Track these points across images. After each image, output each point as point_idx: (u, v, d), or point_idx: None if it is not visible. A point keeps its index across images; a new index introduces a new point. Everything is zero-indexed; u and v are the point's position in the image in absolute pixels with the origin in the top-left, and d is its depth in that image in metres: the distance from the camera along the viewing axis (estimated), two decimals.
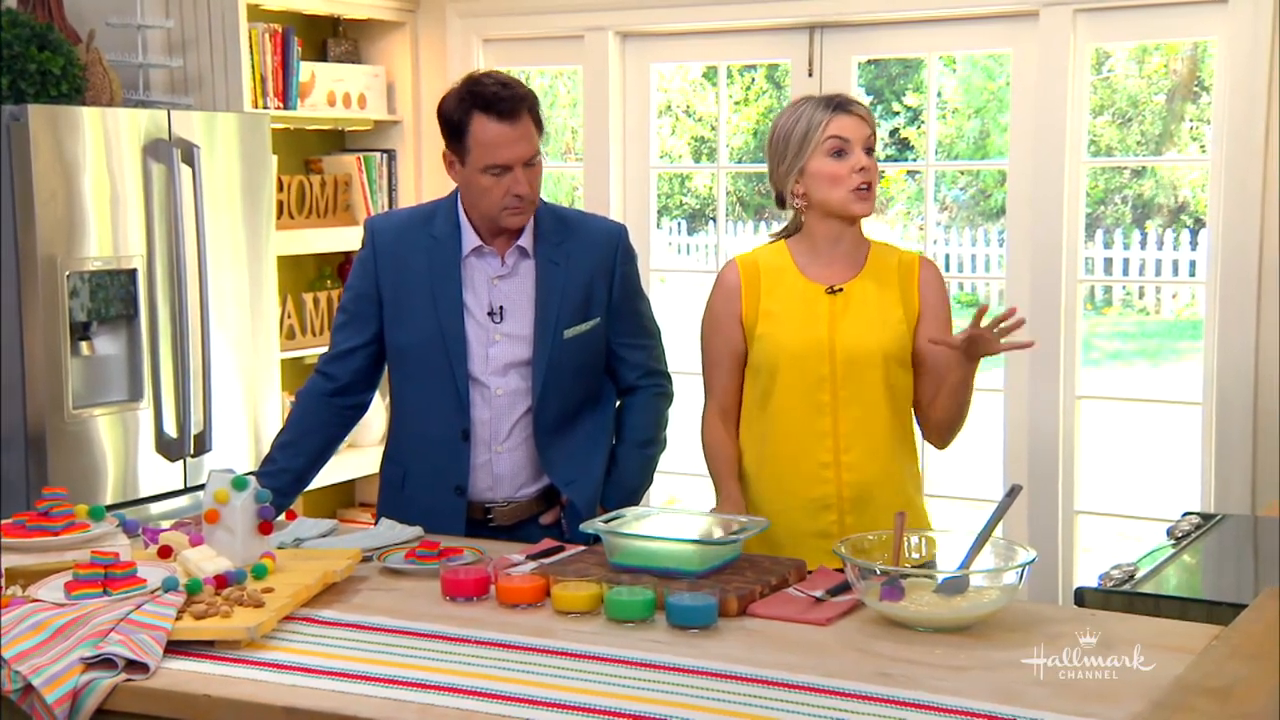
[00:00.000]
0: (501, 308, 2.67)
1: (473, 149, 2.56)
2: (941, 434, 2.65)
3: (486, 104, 2.55)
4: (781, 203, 2.65)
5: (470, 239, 2.67)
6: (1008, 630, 2.02)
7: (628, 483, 2.77)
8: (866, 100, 2.71)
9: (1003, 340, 2.46)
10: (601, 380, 2.78)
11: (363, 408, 2.82)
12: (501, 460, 2.69)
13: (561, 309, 2.66)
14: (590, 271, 2.70)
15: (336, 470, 4.24)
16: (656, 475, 2.92)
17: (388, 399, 2.85)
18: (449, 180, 2.72)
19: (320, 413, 2.76)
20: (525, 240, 2.67)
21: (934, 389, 2.61)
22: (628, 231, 2.82)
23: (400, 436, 2.78)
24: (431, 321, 2.66)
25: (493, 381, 2.67)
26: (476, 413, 2.67)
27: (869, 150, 2.56)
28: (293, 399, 2.88)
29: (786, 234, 2.69)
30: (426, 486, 2.71)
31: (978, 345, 2.47)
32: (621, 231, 2.80)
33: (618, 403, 2.83)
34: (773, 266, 2.64)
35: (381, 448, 2.88)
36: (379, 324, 2.72)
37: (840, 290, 2.59)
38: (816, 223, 2.61)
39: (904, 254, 2.67)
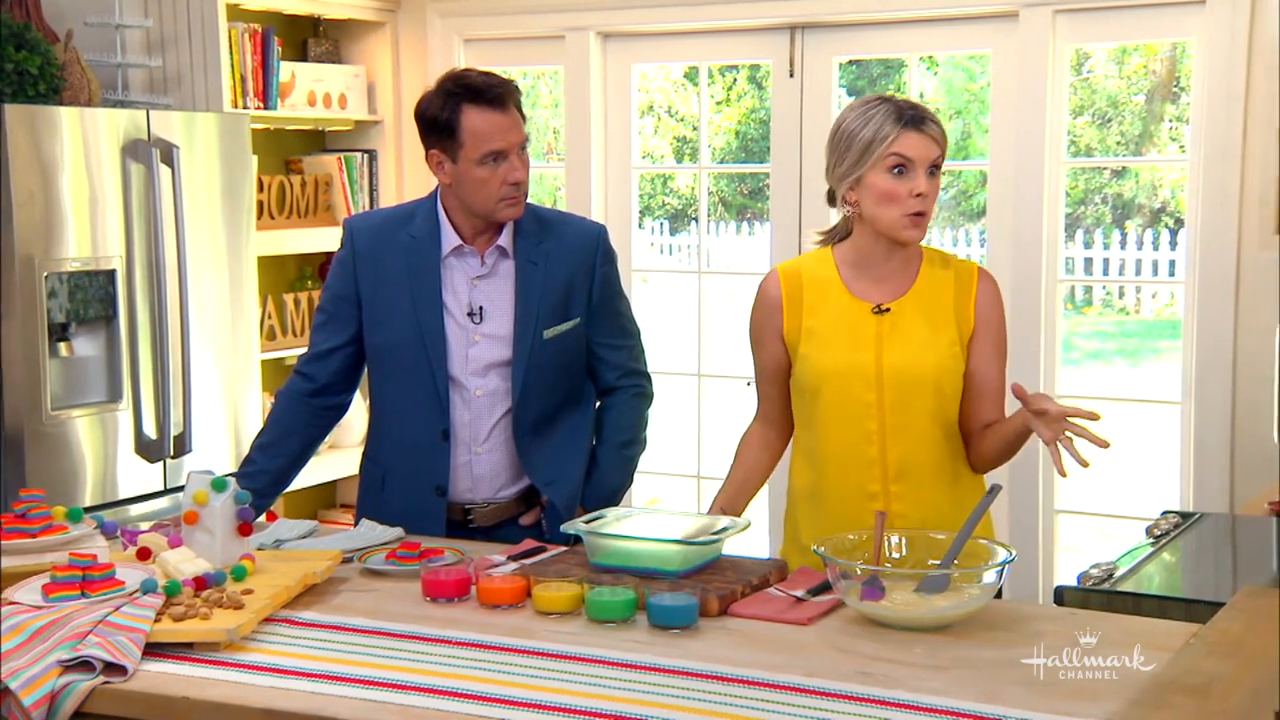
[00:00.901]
0: (481, 308, 2.66)
1: (466, 141, 2.56)
2: (983, 466, 2.50)
3: (476, 94, 2.56)
4: (832, 200, 2.51)
5: (450, 239, 2.66)
6: (987, 629, 2.03)
7: (608, 483, 2.76)
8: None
9: (1061, 443, 2.24)
10: (582, 381, 2.78)
11: (342, 408, 2.81)
12: (481, 461, 2.69)
13: (541, 309, 2.66)
14: (570, 271, 2.70)
15: (317, 471, 4.23)
16: (638, 475, 2.92)
17: (368, 400, 2.84)
18: (430, 180, 2.71)
19: (300, 414, 2.75)
20: (505, 240, 2.67)
21: (979, 416, 2.45)
22: (607, 232, 2.82)
23: (380, 437, 2.78)
24: (411, 322, 2.65)
25: (472, 382, 2.67)
26: (456, 414, 2.66)
27: (935, 169, 2.39)
28: (272, 400, 2.87)
29: (834, 238, 2.54)
30: (407, 487, 2.70)
31: (1040, 420, 2.27)
32: (601, 232, 2.80)
33: (597, 403, 2.83)
34: (817, 279, 2.50)
35: (362, 449, 2.88)
36: (358, 325, 2.71)
37: (888, 310, 2.44)
38: (865, 236, 2.46)
39: (961, 264, 2.50)
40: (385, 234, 2.71)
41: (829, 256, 2.52)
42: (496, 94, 2.57)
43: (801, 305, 2.49)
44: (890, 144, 2.37)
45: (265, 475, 2.70)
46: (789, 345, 2.51)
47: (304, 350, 2.84)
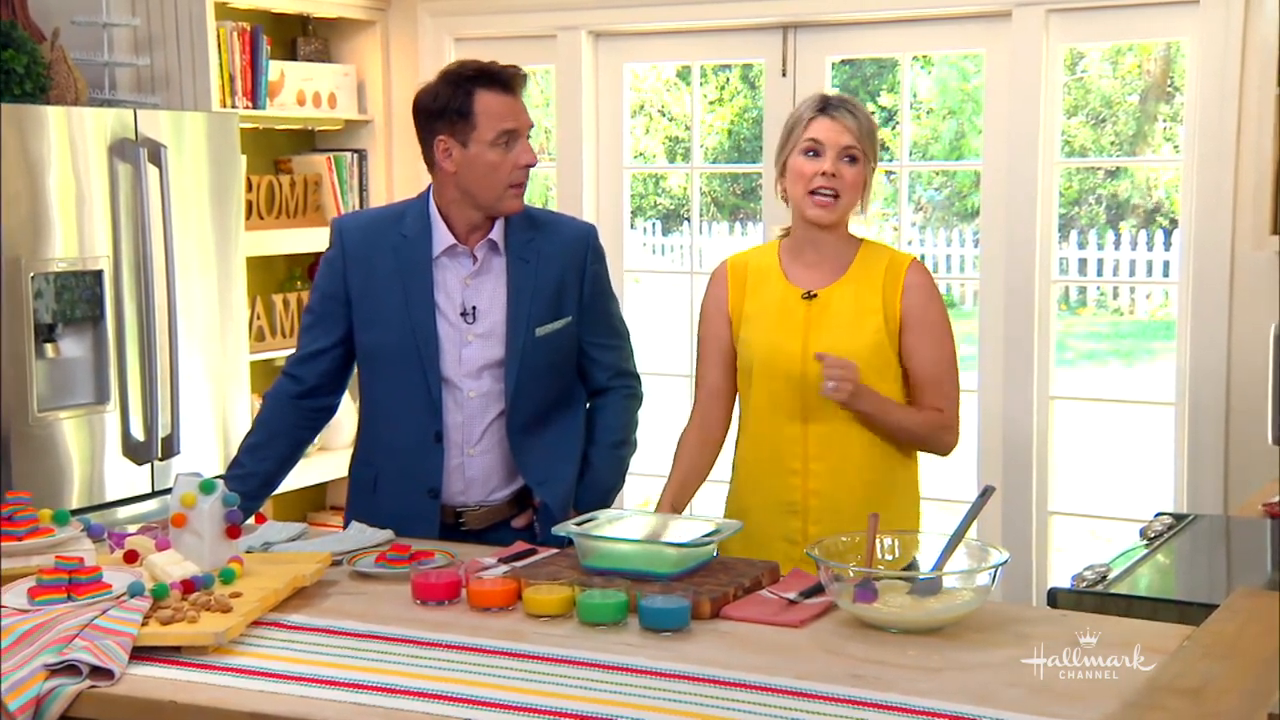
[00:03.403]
0: (474, 308, 2.65)
1: (480, 122, 2.57)
2: (905, 446, 2.66)
3: (491, 78, 2.59)
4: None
5: (442, 239, 2.65)
6: (981, 631, 2.02)
7: (601, 484, 2.76)
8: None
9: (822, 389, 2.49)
10: (572, 381, 2.77)
11: (331, 410, 2.80)
12: (474, 463, 2.68)
13: (533, 306, 2.66)
14: (561, 270, 2.69)
15: (306, 473, 4.21)
16: (631, 477, 2.92)
17: (358, 401, 2.82)
18: (420, 180, 2.69)
19: (288, 415, 2.74)
20: (496, 234, 2.66)
21: (914, 403, 2.61)
22: (597, 231, 2.82)
23: (371, 440, 2.76)
24: (404, 322, 2.64)
25: (465, 384, 2.65)
26: (449, 416, 2.65)
27: (851, 159, 2.55)
28: (260, 401, 2.85)
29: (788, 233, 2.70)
30: (399, 489, 2.68)
31: None
32: (592, 231, 2.80)
33: (587, 405, 2.81)
34: (760, 267, 2.66)
35: (351, 450, 2.86)
36: (347, 325, 2.70)
37: (815, 296, 2.59)
38: (795, 222, 2.64)
39: (896, 256, 2.64)
40: (375, 234, 2.69)
41: (774, 246, 2.70)
42: (509, 77, 2.61)
43: (745, 289, 2.65)
44: (804, 129, 2.57)
45: (254, 478, 2.68)
46: (733, 324, 2.65)
47: (292, 351, 2.82)
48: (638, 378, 2.86)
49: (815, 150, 2.55)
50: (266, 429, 2.74)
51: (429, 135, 2.62)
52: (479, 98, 2.57)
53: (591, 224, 2.87)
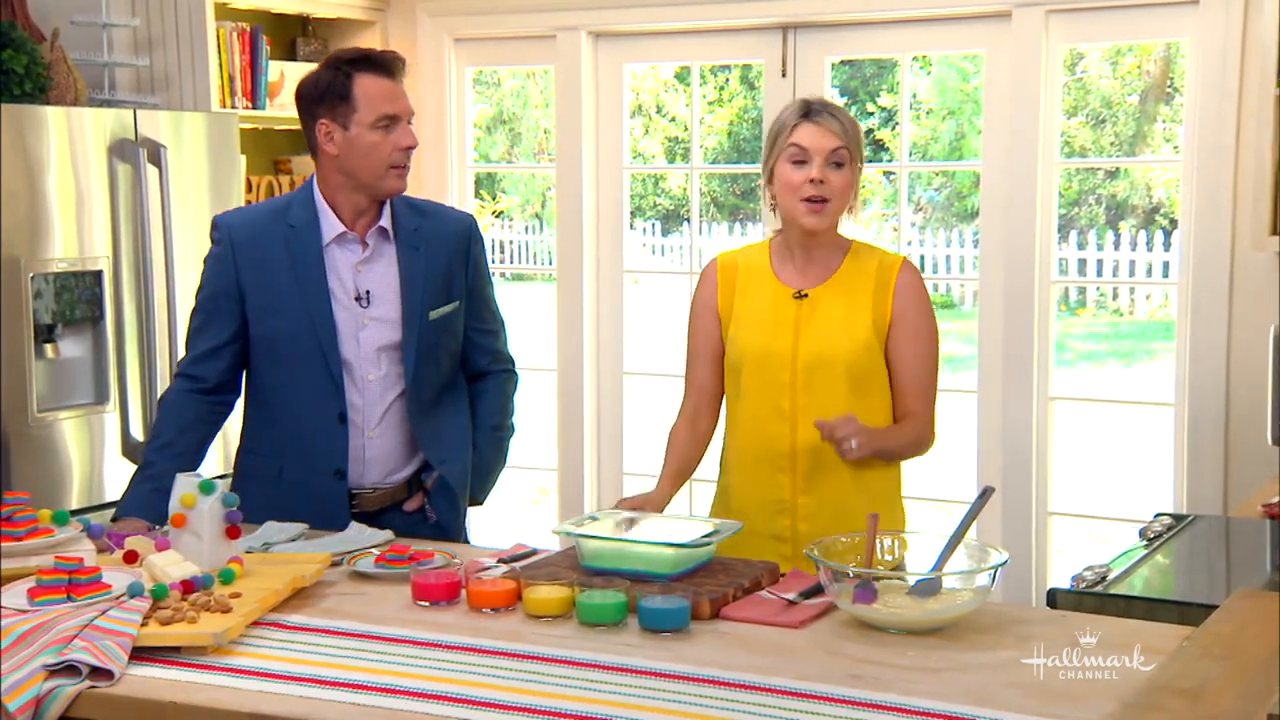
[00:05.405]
0: (368, 292, 2.69)
1: (361, 106, 2.61)
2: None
3: (371, 63, 2.65)
4: None
5: (331, 227, 2.69)
6: (980, 632, 2.02)
7: (484, 465, 2.85)
8: (842, 102, 2.69)
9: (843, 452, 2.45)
10: (458, 364, 2.85)
11: (230, 405, 2.80)
12: (374, 444, 2.72)
13: (425, 291, 2.71)
14: (448, 255, 2.76)
15: None
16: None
17: (246, 394, 2.80)
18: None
19: (193, 409, 2.73)
20: (385, 222, 2.71)
21: (898, 406, 2.60)
22: (476, 220, 2.90)
23: (268, 429, 2.75)
24: (300, 309, 2.67)
25: (365, 367, 2.70)
26: (349, 398, 2.69)
27: (838, 164, 2.52)
28: (156, 408, 2.83)
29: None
30: (306, 474, 2.70)
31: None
32: (473, 219, 2.91)
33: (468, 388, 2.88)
34: (751, 266, 2.67)
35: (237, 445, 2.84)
36: (240, 320, 2.72)
37: (806, 296, 2.59)
38: (785, 226, 2.63)
39: (886, 256, 2.63)
40: (262, 226, 2.73)
41: (765, 246, 2.68)
42: (388, 62, 2.66)
43: (735, 288, 2.65)
44: (789, 135, 2.54)
45: (170, 476, 2.64)
46: (722, 323, 2.65)
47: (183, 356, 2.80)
48: (513, 361, 2.94)
49: (802, 158, 2.52)
50: (174, 425, 2.72)
51: (310, 120, 2.66)
52: (358, 81, 2.62)
53: (471, 214, 2.96)
